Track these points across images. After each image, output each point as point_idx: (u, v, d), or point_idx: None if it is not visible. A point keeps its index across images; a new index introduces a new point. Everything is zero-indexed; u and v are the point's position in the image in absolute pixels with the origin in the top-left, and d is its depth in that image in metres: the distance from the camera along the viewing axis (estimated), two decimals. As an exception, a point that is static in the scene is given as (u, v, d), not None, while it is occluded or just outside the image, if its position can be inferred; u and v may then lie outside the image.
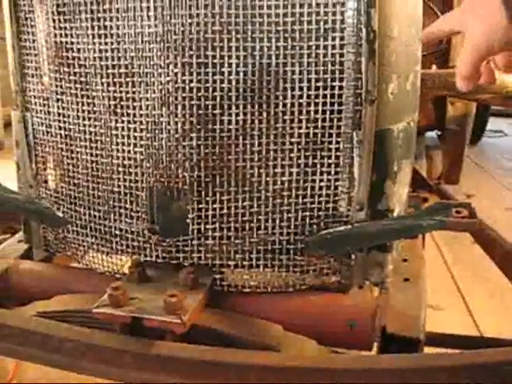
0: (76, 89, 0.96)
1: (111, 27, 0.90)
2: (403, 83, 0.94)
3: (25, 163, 1.08)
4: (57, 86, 0.98)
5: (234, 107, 0.87)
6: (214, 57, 0.85)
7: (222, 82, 0.86)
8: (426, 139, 3.08)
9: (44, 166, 1.06)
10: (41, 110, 1.02)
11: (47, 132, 1.03)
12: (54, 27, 0.96)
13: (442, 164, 2.53)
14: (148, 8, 0.86)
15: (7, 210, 1.15)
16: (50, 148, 1.03)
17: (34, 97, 1.03)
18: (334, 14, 0.85)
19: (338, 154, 0.89)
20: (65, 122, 0.99)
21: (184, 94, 0.87)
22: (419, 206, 1.11)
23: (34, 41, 1.00)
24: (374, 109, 0.87)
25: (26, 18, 1.00)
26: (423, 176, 1.63)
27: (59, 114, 0.99)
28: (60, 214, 1.05)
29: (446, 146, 2.53)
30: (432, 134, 3.15)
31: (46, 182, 1.07)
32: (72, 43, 0.95)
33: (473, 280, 1.98)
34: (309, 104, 0.87)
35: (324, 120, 0.87)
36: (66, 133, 0.99)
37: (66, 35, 0.95)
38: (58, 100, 0.99)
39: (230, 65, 0.85)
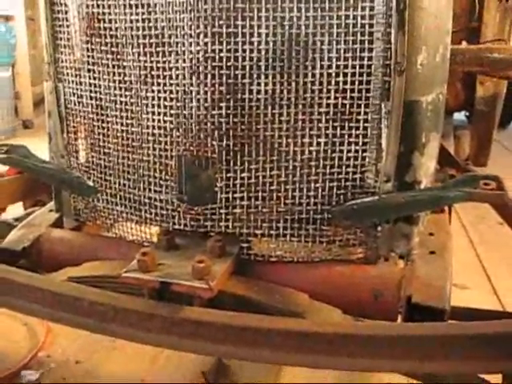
0: (107, 59, 0.97)
1: (142, -3, 0.91)
2: (433, 55, 0.93)
3: (56, 133, 1.10)
4: (88, 57, 1.00)
5: (263, 77, 0.87)
6: (243, 26, 0.86)
7: (251, 51, 0.87)
8: (453, 120, 3.04)
9: (75, 135, 1.08)
10: (73, 81, 1.04)
11: (79, 102, 1.04)
12: (87, -2, 0.97)
13: (470, 146, 2.50)
14: (179, -22, 0.87)
15: (40, 179, 1.17)
16: (82, 118, 1.05)
17: (66, 67, 1.05)
18: (364, -17, 0.85)
19: (366, 124, 0.89)
20: (96, 92, 1.00)
21: (214, 64, 0.87)
22: (446, 180, 1.11)
23: (66, 12, 1.02)
24: (403, 80, 0.87)
25: (59, -10, 1.02)
26: (450, 153, 1.61)
27: (91, 84, 1.01)
28: (90, 183, 1.07)
29: (475, 127, 2.49)
30: (460, 115, 3.11)
31: (77, 151, 1.09)
32: (104, 14, 0.96)
33: (499, 261, 1.96)
34: (337, 74, 0.87)
35: (353, 90, 0.87)
36: (97, 103, 1.01)
37: (98, 6, 0.96)
38: (89, 70, 1.00)
39: (259, 34, 0.86)
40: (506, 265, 1.94)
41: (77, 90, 1.04)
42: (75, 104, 1.05)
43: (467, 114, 2.91)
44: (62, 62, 1.05)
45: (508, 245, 2.01)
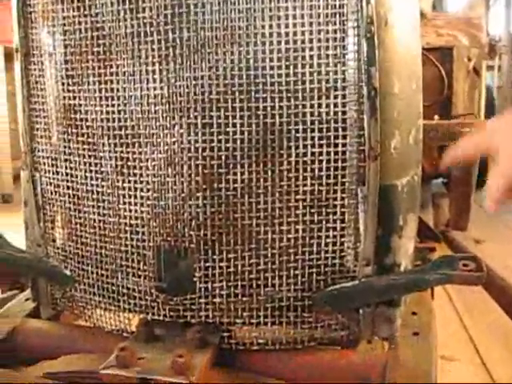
0: (84, 149, 0.97)
1: (118, 90, 0.92)
2: (406, 138, 0.95)
3: (33, 222, 1.09)
4: (65, 147, 1.00)
5: (239, 166, 0.88)
6: (218, 117, 0.87)
7: (226, 141, 0.87)
8: (432, 187, 3.08)
9: (52, 224, 1.07)
10: (49, 170, 1.04)
11: (55, 192, 1.04)
12: (63, 90, 0.98)
13: (449, 211, 2.52)
14: (153, 71, 0.89)
15: (16, 270, 1.15)
16: (58, 207, 1.05)
17: (43, 157, 1.05)
18: (335, 72, 0.87)
19: (343, 209, 0.90)
20: (72, 182, 1.00)
21: (189, 154, 0.88)
22: (426, 259, 1.11)
23: (43, 103, 1.03)
24: (378, 164, 0.88)
25: (37, 82, 1.03)
26: (430, 226, 1.62)
27: (67, 174, 1.01)
28: (68, 273, 1.05)
29: (453, 193, 2.52)
30: (438, 181, 3.15)
31: (53, 240, 1.08)
32: (80, 105, 0.97)
33: (485, 328, 1.95)
34: (313, 161, 0.88)
35: (328, 177, 0.88)
36: (74, 192, 1.00)
37: (75, 98, 0.97)
38: (66, 160, 1.00)
39: (234, 125, 0.87)
40: (493, 333, 1.93)
41: (53, 179, 1.03)
42: (52, 193, 1.04)
43: (444, 180, 2.95)
44: (39, 151, 1.05)
45: (492, 311, 2.00)
